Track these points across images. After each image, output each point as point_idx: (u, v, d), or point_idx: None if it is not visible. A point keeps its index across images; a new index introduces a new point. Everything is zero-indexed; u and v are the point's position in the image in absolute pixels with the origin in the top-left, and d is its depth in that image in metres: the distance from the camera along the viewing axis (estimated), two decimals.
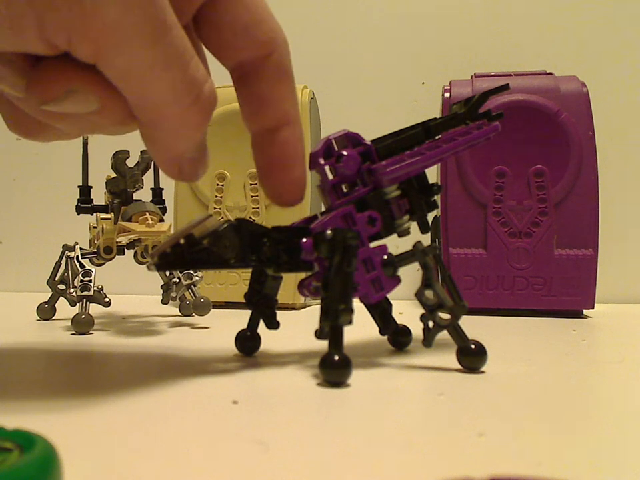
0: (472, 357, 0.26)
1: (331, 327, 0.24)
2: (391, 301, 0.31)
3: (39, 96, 0.19)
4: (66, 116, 0.20)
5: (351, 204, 0.28)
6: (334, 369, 0.23)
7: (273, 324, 0.29)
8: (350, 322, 0.25)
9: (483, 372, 0.26)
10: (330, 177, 0.28)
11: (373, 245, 0.28)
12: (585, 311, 0.50)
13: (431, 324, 0.26)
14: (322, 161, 0.28)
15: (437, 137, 0.30)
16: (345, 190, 0.28)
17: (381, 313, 0.30)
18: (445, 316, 0.26)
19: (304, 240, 0.26)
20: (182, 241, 0.24)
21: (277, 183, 0.25)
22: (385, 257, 0.28)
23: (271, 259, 0.26)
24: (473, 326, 0.27)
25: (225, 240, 0.24)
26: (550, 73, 0.53)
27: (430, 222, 0.30)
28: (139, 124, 0.21)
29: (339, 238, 0.25)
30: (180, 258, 0.24)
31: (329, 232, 0.25)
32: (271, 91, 0.24)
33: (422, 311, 0.27)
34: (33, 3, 0.16)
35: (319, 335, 0.25)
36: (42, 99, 0.19)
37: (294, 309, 0.53)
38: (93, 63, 0.18)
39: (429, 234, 0.53)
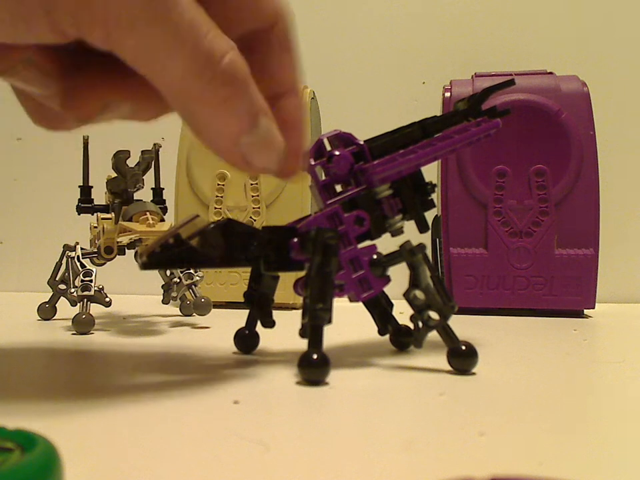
0: (462, 358, 0.25)
1: (310, 327, 0.24)
2: (392, 301, 0.31)
3: (76, 116, 0.20)
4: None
5: (339, 204, 0.27)
6: (312, 367, 0.24)
7: (269, 322, 0.29)
8: (329, 321, 0.25)
9: (483, 372, 0.26)
10: (323, 177, 0.28)
11: (364, 244, 0.28)
12: (585, 311, 0.50)
13: (420, 324, 0.26)
14: (312, 162, 0.28)
15: (436, 135, 0.29)
16: (340, 190, 0.28)
17: (380, 313, 0.30)
18: (437, 316, 0.26)
19: (295, 240, 0.26)
20: (171, 241, 0.24)
21: None
22: (374, 256, 0.27)
23: (258, 258, 0.26)
24: (474, 326, 0.27)
25: (211, 239, 0.25)
26: (550, 73, 0.53)
27: (430, 222, 0.30)
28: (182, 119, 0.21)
29: (319, 238, 0.25)
30: (168, 257, 0.24)
31: (313, 232, 0.25)
32: (272, 61, 0.24)
33: None
34: None
35: (302, 333, 0.25)
36: (79, 118, 0.20)
37: (294, 308, 0.53)
38: (108, 49, 0.18)
39: (430, 233, 0.53)
